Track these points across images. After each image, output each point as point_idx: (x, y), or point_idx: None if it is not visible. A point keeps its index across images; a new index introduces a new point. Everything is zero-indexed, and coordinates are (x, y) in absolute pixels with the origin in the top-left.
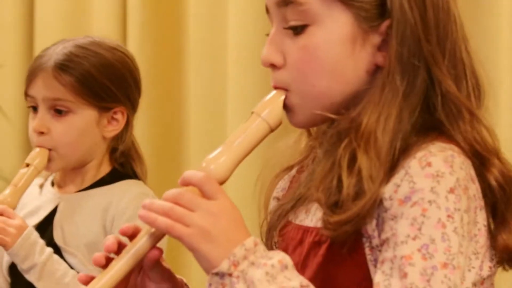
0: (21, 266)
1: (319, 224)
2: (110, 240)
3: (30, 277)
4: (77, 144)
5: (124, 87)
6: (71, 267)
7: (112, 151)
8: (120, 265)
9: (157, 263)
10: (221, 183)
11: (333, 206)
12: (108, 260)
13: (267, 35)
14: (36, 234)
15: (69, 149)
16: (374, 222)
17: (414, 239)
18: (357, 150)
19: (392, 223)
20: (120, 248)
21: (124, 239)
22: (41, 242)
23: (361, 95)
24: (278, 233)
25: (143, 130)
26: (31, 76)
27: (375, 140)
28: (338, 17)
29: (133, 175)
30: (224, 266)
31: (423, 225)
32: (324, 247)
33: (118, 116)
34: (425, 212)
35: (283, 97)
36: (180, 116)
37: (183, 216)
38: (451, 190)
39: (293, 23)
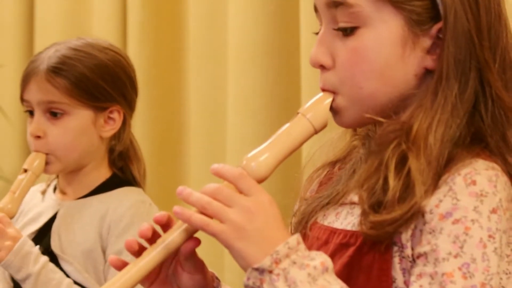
0: (16, 277)
1: (349, 227)
2: (145, 226)
3: (25, 286)
4: (74, 146)
5: (119, 86)
6: (67, 275)
7: (111, 152)
8: (153, 256)
9: (192, 254)
10: (261, 181)
11: (375, 205)
12: (140, 247)
13: (316, 33)
14: (30, 244)
15: (66, 151)
16: (409, 232)
17: (455, 257)
18: (408, 153)
19: (430, 237)
20: (154, 237)
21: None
22: (35, 251)
23: (408, 98)
24: (309, 227)
25: (143, 130)
26: (25, 80)
27: (426, 145)
28: (388, 20)
29: (133, 181)
30: (266, 263)
31: (465, 244)
32: (352, 250)
33: (115, 115)
34: (468, 230)
35: (330, 99)
36: (180, 116)
37: (220, 211)
38: (494, 211)
39: (343, 24)
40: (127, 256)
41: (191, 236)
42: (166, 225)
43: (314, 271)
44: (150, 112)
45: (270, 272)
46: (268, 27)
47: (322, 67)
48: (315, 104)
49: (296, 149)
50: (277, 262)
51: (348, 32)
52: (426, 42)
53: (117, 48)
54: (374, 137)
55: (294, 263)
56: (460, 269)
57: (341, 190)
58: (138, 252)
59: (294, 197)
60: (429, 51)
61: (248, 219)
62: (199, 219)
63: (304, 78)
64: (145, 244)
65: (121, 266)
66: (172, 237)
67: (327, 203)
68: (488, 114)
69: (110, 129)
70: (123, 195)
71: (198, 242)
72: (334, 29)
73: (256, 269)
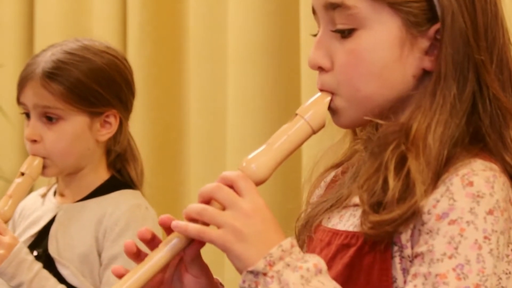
0: (10, 284)
1: (351, 228)
2: (144, 228)
3: None
4: (70, 150)
5: (115, 90)
6: (64, 279)
7: (109, 154)
8: (155, 260)
9: (197, 257)
10: (261, 183)
11: (375, 205)
12: (139, 250)
13: (314, 35)
14: (25, 251)
15: (62, 156)
16: (409, 232)
17: (450, 257)
18: (407, 154)
19: (427, 237)
20: (153, 239)
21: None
22: (30, 259)
23: (407, 100)
24: (314, 229)
25: (143, 130)
26: (21, 84)
27: (425, 146)
28: (386, 22)
29: (131, 182)
30: (259, 265)
31: (460, 245)
32: (352, 250)
33: (111, 119)
34: (463, 232)
35: (328, 99)
36: (180, 116)
37: (216, 216)
38: (490, 212)
39: (340, 26)
40: (122, 261)
41: (192, 240)
42: (151, 242)
43: (307, 273)
44: (150, 112)
45: (264, 274)
46: (268, 27)
47: (321, 69)
48: (312, 105)
49: (295, 150)
50: (271, 264)
51: (346, 34)
52: (424, 43)
53: (114, 51)
54: (374, 139)
55: (288, 265)
56: (454, 270)
57: (345, 194)
58: (136, 254)
59: (294, 198)
60: (427, 52)
61: (245, 222)
62: (194, 228)
63: (304, 78)
64: (143, 247)
65: (124, 274)
66: (174, 242)
67: (331, 206)
68: (487, 115)
69: (106, 133)
70: (120, 199)
71: (203, 243)
72: (332, 31)
73: (251, 272)
